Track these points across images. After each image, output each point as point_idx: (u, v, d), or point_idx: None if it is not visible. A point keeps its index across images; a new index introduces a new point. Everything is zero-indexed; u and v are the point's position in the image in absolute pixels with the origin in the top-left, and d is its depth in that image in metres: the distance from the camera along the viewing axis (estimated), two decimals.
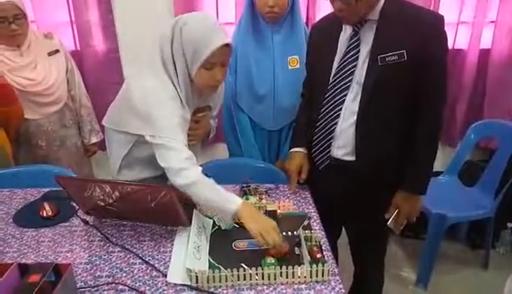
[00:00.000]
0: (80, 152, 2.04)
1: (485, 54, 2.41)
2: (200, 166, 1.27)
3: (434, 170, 2.20)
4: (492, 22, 2.37)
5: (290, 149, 1.51)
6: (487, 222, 2.14)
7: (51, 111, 1.86)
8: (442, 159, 2.55)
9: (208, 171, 1.63)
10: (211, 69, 1.25)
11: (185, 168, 1.21)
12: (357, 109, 1.30)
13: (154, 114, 1.24)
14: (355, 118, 1.30)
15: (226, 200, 1.19)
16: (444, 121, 1.35)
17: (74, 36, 2.30)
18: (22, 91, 1.73)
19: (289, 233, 1.21)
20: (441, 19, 1.24)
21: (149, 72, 1.29)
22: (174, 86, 1.28)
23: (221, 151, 2.37)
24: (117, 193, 1.18)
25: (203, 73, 1.25)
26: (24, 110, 1.76)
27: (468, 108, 2.50)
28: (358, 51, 1.28)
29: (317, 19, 2.15)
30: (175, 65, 1.27)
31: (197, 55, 1.22)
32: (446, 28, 1.25)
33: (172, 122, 1.24)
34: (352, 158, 1.35)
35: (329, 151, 1.38)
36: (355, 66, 1.28)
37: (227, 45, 1.24)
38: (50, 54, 1.83)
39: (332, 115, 1.34)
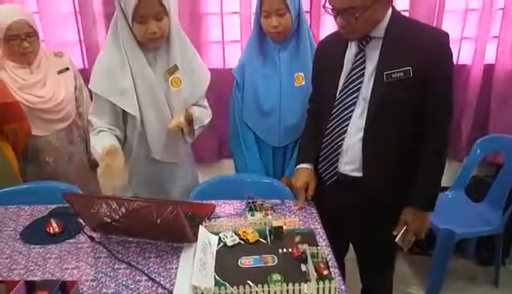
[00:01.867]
0: (87, 168, 2.06)
1: (489, 69, 2.42)
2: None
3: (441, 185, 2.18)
4: (495, 37, 2.39)
5: (297, 165, 1.51)
6: (495, 238, 2.11)
7: (60, 128, 1.88)
8: (448, 174, 2.53)
9: (214, 186, 1.66)
10: (144, 22, 1.36)
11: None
12: (363, 124, 1.30)
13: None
14: (362, 133, 1.31)
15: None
16: (450, 136, 1.36)
17: (82, 54, 2.35)
18: (31, 108, 1.76)
19: (295, 249, 1.20)
20: (446, 36, 1.26)
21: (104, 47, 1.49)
22: (123, 49, 1.42)
23: (227, 167, 2.38)
24: (123, 210, 1.19)
25: (137, 27, 1.38)
26: (32, 127, 1.78)
27: (473, 122, 2.50)
28: (364, 68, 1.29)
29: (321, 36, 2.20)
30: (119, 26, 1.40)
31: (127, 9, 1.35)
32: (450, 44, 1.26)
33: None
34: (359, 174, 1.35)
35: (336, 167, 1.38)
36: (361, 82, 1.30)
37: None
38: (59, 72, 1.87)
39: (339, 131, 1.34)
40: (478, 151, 2.24)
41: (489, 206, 2.15)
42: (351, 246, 1.63)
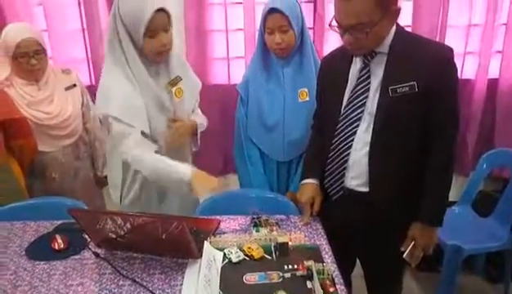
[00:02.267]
0: (92, 184, 2.07)
1: (493, 83, 2.43)
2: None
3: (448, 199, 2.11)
4: (499, 52, 2.40)
5: (302, 180, 1.51)
6: (504, 254, 2.08)
7: (66, 144, 1.89)
8: (455, 189, 2.49)
9: (219, 201, 1.65)
10: (154, 36, 1.37)
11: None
12: (369, 139, 1.30)
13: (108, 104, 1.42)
14: (368, 148, 1.31)
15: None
16: (457, 150, 1.34)
17: (89, 71, 2.38)
18: (39, 124, 1.78)
19: (301, 266, 1.19)
20: (450, 50, 1.26)
21: (105, 69, 1.47)
22: (127, 67, 1.41)
23: (232, 182, 2.37)
24: (128, 225, 1.19)
25: (148, 41, 1.37)
26: (39, 143, 1.80)
27: (479, 137, 2.50)
28: (369, 83, 1.30)
29: (324, 52, 2.22)
30: (121, 44, 1.39)
31: (137, 25, 1.34)
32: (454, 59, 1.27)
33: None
34: (365, 189, 1.34)
35: (342, 181, 1.38)
36: (366, 97, 1.30)
37: (162, 10, 1.35)
38: (67, 88, 1.89)
39: (344, 146, 1.34)
40: (484, 165, 2.23)
41: (497, 221, 2.12)
42: (358, 262, 1.61)
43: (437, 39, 2.32)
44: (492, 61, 2.39)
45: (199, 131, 1.64)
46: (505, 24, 2.35)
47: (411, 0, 2.30)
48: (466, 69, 2.43)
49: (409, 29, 2.31)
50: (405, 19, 2.32)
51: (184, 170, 1.38)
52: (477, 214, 2.24)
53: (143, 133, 1.45)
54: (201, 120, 1.67)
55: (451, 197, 2.46)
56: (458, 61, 2.37)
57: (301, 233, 1.37)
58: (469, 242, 1.99)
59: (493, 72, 2.42)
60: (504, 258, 2.10)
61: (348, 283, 1.44)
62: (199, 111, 1.71)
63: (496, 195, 2.25)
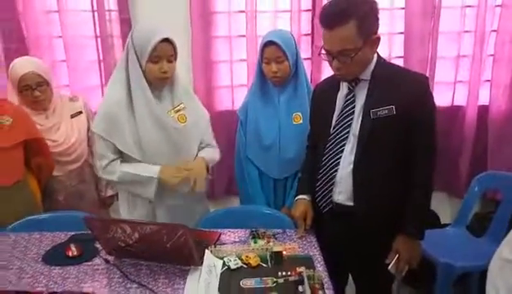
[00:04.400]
0: (97, 205, 2.14)
1: (484, 110, 2.54)
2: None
3: (442, 222, 2.19)
4: (488, 81, 2.54)
5: (296, 196, 1.62)
6: None
7: (72, 168, 2.00)
8: (449, 210, 2.59)
9: (220, 216, 1.77)
10: (157, 62, 1.51)
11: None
12: (353, 157, 1.43)
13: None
14: (352, 165, 1.43)
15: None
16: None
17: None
18: None
19: (294, 271, 1.29)
20: (426, 78, 1.42)
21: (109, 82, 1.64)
22: (127, 84, 1.55)
23: (233, 203, 2.47)
24: (136, 235, 1.30)
25: (151, 66, 1.52)
26: None
27: (471, 160, 2.58)
28: (354, 107, 1.44)
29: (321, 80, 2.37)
30: (127, 63, 1.54)
31: (143, 49, 1.50)
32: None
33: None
34: (351, 203, 1.46)
35: (330, 196, 1.49)
36: (351, 119, 1.44)
37: (168, 41, 1.51)
38: (73, 116, 1.99)
39: (332, 163, 1.47)
40: (476, 188, 2.30)
41: (490, 241, 2.16)
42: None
43: (428, 69, 2.46)
44: (482, 89, 2.52)
45: (210, 166, 1.71)
46: (492, 55, 2.49)
47: (403, 33, 2.46)
48: (457, 96, 2.56)
49: (401, 60, 2.48)
50: (397, 50, 2.49)
51: (153, 169, 1.57)
52: (473, 236, 2.27)
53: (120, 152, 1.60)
54: (210, 155, 1.73)
55: (447, 218, 2.54)
56: (449, 89, 2.53)
57: (295, 244, 1.47)
58: (462, 260, 2.03)
59: (483, 99, 2.54)
60: None
61: None
62: (214, 143, 1.79)
63: (491, 216, 2.29)
